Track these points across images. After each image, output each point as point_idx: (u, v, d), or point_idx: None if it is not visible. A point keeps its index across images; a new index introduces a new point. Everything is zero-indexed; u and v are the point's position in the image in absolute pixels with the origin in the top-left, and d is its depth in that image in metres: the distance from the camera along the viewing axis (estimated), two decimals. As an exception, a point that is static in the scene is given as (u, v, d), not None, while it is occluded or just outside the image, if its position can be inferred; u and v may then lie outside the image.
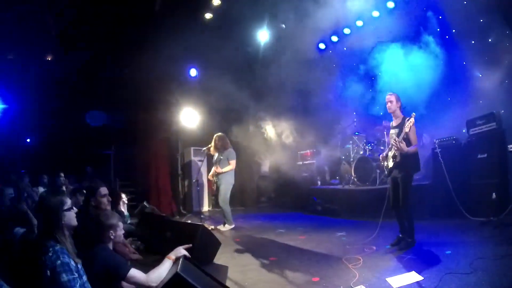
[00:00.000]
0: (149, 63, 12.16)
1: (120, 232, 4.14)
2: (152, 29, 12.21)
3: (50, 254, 2.93)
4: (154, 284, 3.63)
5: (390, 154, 6.15)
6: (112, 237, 4.02)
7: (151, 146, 13.06)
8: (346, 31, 12.79)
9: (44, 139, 15.66)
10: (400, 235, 6.01)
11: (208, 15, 12.48)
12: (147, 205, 10.87)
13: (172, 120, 12.81)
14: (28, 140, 16.54)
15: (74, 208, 3.40)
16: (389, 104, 6.22)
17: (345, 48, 13.14)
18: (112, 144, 14.39)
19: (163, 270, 3.76)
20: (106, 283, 3.50)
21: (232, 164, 9.25)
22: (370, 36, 11.91)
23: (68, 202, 3.34)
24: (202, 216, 10.21)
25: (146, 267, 3.96)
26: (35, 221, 5.48)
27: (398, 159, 5.93)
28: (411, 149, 5.82)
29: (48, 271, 2.88)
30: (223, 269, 5.86)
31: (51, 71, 14.59)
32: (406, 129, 5.71)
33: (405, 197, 5.86)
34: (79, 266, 3.12)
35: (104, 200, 5.24)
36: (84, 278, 3.11)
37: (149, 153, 13.08)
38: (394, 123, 6.31)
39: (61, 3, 12.87)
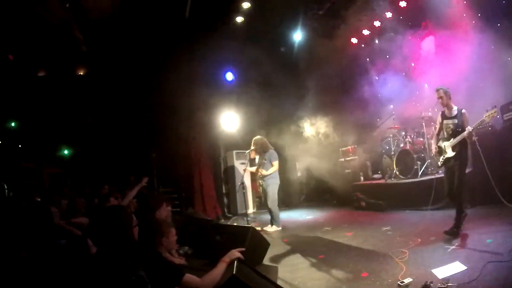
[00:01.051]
0: (186, 69, 12.47)
1: (173, 238, 4.23)
2: (187, 33, 12.45)
3: (120, 271, 2.91)
4: (209, 287, 3.62)
5: (448, 144, 6.32)
6: (165, 243, 4.12)
7: (193, 152, 13.18)
8: (376, 23, 12.69)
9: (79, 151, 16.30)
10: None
11: (239, 19, 12.60)
12: (192, 210, 11.08)
13: (213, 125, 12.93)
14: (65, 152, 17.16)
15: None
16: (440, 100, 6.41)
17: (376, 41, 13.08)
18: (153, 151, 14.63)
19: (217, 273, 3.73)
20: None
21: (275, 165, 9.31)
22: (400, 26, 11.85)
23: (134, 218, 3.36)
24: (247, 218, 10.33)
25: (195, 272, 3.96)
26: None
27: (457, 149, 6.18)
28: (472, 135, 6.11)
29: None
30: (273, 269, 5.99)
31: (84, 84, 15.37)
32: (465, 123, 6.11)
33: (460, 185, 6.13)
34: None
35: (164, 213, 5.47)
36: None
37: (191, 159, 13.18)
38: (447, 113, 6.46)
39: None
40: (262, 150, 9.49)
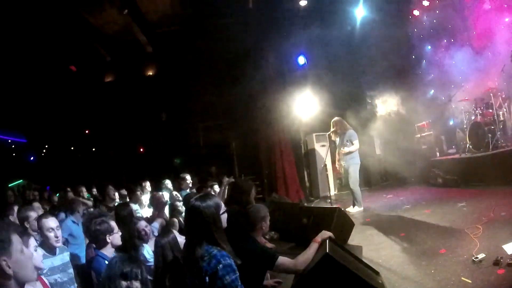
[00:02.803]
0: (257, 57, 13.02)
1: (268, 222, 4.29)
2: (252, 22, 12.98)
3: (207, 260, 2.95)
4: (301, 268, 3.65)
5: None
6: (264, 228, 4.22)
7: (273, 137, 13.41)
8: None
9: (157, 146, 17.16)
10: None
11: (302, 2, 12.86)
12: (276, 196, 11.36)
13: (289, 109, 13.04)
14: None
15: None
16: None
17: (437, 11, 12.93)
18: (231, 141, 15.21)
19: (310, 253, 3.76)
20: (254, 274, 3.64)
21: (356, 144, 9.45)
22: None
23: (222, 204, 3.33)
24: (329, 200, 10.49)
25: (284, 255, 3.97)
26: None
27: None
28: None
29: (207, 278, 2.90)
30: (358, 249, 6.08)
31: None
32: None
33: None
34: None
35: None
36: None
37: (271, 144, 13.45)
38: None
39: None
40: (342, 131, 9.69)
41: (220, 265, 2.90)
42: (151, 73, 17.05)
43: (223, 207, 3.29)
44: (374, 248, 6.35)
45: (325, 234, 3.94)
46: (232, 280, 2.90)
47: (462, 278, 4.56)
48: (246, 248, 3.67)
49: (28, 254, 2.26)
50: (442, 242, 5.87)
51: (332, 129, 9.93)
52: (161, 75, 16.62)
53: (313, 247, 3.80)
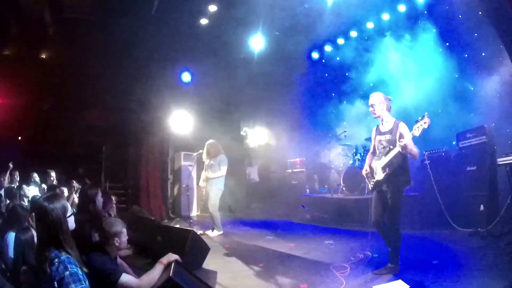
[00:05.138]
0: (142, 63, 12.54)
1: (125, 238, 4.13)
2: (147, 30, 12.33)
3: (56, 264, 2.88)
4: None
5: (378, 164, 5.29)
6: (117, 244, 4.02)
7: (143, 149, 13.06)
8: (340, 41, 13.05)
9: (35, 135, 15.62)
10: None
11: (203, 21, 12.46)
12: (138, 208, 10.85)
13: (163, 124, 12.91)
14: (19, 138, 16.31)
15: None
16: (371, 108, 5.43)
17: (338, 58, 13.31)
18: (104, 144, 14.45)
19: (155, 274, 3.80)
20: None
21: (223, 170, 9.26)
22: (364, 44, 12.24)
23: (69, 207, 3.28)
24: (191, 221, 10.27)
25: (137, 270, 4.12)
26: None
27: (388, 171, 5.14)
28: (415, 150, 5.05)
29: (56, 283, 2.83)
30: (213, 274, 5.95)
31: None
32: (402, 130, 5.08)
33: (395, 214, 5.19)
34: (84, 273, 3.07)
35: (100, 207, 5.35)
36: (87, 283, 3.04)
37: (140, 156, 13.05)
38: (382, 128, 5.44)
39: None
40: (214, 154, 9.43)
41: (67, 272, 2.86)
42: (44, 56, 15.60)
43: (69, 210, 3.24)
44: (230, 275, 5.95)
45: (171, 256, 3.99)
46: None
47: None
48: (93, 260, 3.67)
49: None
50: (304, 277, 5.50)
51: (205, 150, 9.65)
52: (54, 61, 15.22)
53: (158, 268, 3.88)
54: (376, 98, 5.35)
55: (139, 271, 3.96)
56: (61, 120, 14.99)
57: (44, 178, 10.67)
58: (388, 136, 5.25)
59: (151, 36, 12.43)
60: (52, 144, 14.76)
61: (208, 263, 6.40)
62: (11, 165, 9.93)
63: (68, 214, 3.17)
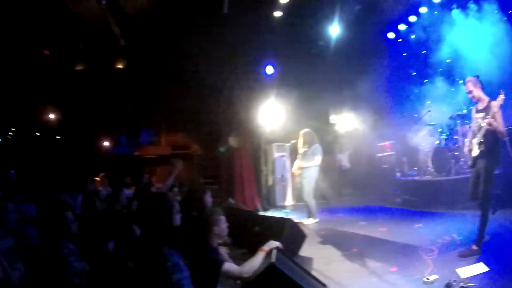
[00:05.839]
0: (225, 63, 13.01)
1: (224, 225, 4.21)
2: (223, 30, 12.66)
3: (158, 256, 3.01)
4: (247, 275, 3.76)
5: (475, 141, 5.70)
6: (216, 232, 4.11)
7: (235, 144, 13.37)
8: (412, 18, 12.78)
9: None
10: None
11: (277, 13, 12.60)
12: (232, 201, 11.03)
13: (253, 118, 13.03)
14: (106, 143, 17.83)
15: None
16: (469, 95, 5.85)
17: (413, 36, 13.09)
18: (193, 143, 15.61)
19: (257, 261, 3.87)
20: (203, 278, 3.60)
21: (318, 159, 9.43)
22: (434, 20, 11.91)
23: (177, 205, 3.41)
24: (285, 210, 10.44)
25: (235, 261, 4.17)
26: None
27: (482, 148, 5.54)
28: (500, 128, 5.40)
29: (157, 274, 2.95)
30: (308, 261, 6.19)
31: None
32: (494, 109, 5.35)
33: (487, 190, 5.52)
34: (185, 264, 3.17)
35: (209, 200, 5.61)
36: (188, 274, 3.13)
37: (232, 150, 13.46)
38: (478, 106, 5.82)
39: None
40: (309, 143, 9.63)
41: (169, 263, 2.96)
42: (121, 66, 16.61)
43: (177, 208, 3.36)
44: (325, 261, 6.22)
45: (273, 244, 4.11)
46: (179, 279, 2.94)
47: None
48: (196, 251, 3.83)
49: None
50: (394, 260, 5.78)
51: (301, 139, 9.84)
52: (130, 69, 16.29)
53: (259, 256, 3.97)
54: (470, 83, 5.75)
55: (236, 262, 4.03)
56: (145, 124, 16.18)
57: (137, 179, 11.15)
58: (482, 114, 5.61)
59: (228, 34, 12.71)
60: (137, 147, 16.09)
61: (304, 251, 6.67)
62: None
63: (176, 211, 3.31)
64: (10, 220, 5.67)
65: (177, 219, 3.34)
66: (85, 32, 15.09)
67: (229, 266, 3.84)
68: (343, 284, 5.17)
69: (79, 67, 16.67)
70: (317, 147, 9.60)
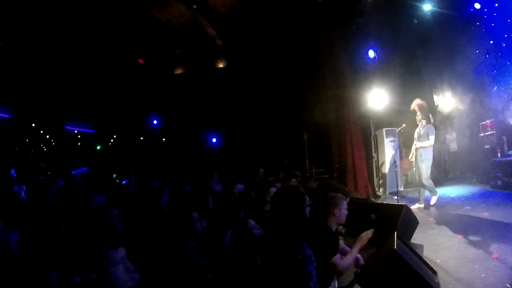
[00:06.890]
0: (328, 51, 13.38)
1: (344, 210, 4.15)
2: (323, 16, 13.24)
3: (289, 247, 3.06)
4: (344, 273, 3.86)
5: None
6: (336, 215, 4.09)
7: (344, 131, 13.35)
8: None
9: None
10: None
11: None
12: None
13: (362, 103, 13.01)
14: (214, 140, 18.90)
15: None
16: None
17: (496, 5, 12.84)
18: (303, 133, 15.93)
19: (353, 258, 4.00)
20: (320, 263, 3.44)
21: (432, 139, 9.59)
22: None
23: (307, 198, 3.41)
24: (396, 197, 10.56)
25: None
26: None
27: None
28: None
29: (286, 265, 3.00)
30: (420, 247, 6.43)
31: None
32: None
33: None
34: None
35: None
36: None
37: (343, 138, 13.38)
38: None
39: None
40: (424, 115, 9.81)
41: (300, 256, 3.02)
42: (221, 66, 17.65)
43: (307, 201, 3.42)
44: (433, 248, 6.62)
45: (366, 236, 4.28)
46: (308, 271, 3.00)
47: (507, 285, 4.75)
48: (315, 232, 3.74)
49: None
50: (495, 246, 6.13)
51: (418, 114, 10.01)
52: (232, 67, 17.27)
53: (354, 252, 4.14)
54: None
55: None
56: (255, 119, 16.80)
57: (252, 174, 11.50)
58: None
59: (322, 22, 13.24)
60: (251, 142, 16.68)
61: (415, 237, 7.03)
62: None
63: (306, 204, 3.34)
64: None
65: (308, 212, 3.39)
66: (180, 37, 16.55)
67: (337, 260, 3.83)
68: (450, 271, 5.50)
69: (178, 71, 18.10)
70: (430, 126, 9.76)
